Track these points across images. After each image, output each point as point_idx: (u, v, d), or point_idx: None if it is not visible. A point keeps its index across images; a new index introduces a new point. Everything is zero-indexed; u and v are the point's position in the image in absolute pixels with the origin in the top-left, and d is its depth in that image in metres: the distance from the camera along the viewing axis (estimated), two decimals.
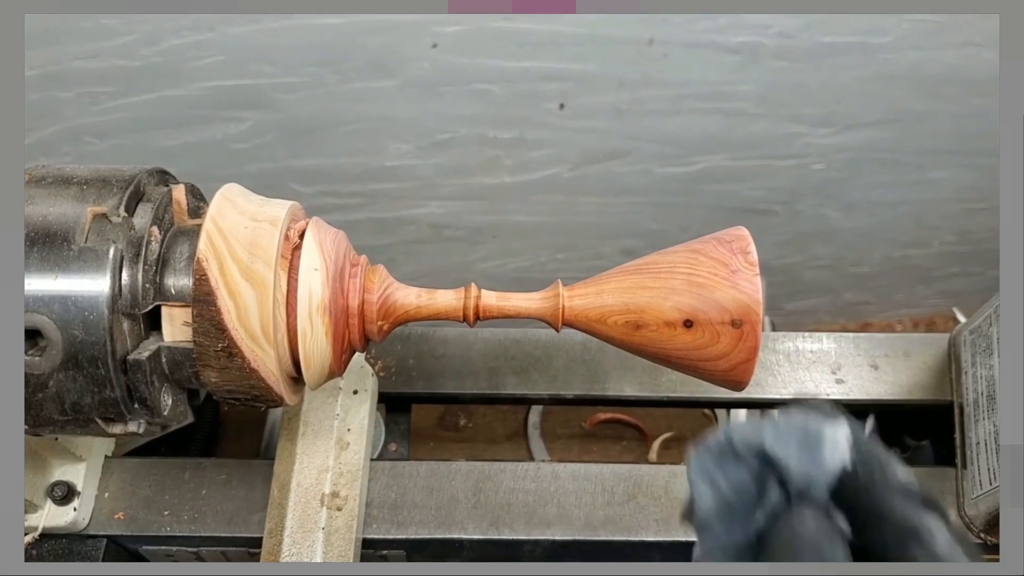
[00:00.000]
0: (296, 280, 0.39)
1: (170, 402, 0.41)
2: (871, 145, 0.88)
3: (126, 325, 0.38)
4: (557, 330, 0.42)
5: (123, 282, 0.38)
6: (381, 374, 0.62)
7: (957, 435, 0.58)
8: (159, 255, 0.39)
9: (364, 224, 0.94)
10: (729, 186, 0.93)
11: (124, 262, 0.38)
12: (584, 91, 0.79)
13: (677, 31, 0.73)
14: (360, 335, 0.42)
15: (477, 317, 0.42)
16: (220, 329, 0.37)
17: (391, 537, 0.56)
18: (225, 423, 0.80)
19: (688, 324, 0.38)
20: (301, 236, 0.41)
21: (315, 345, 0.39)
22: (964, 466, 0.57)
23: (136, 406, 0.39)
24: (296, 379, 0.43)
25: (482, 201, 0.93)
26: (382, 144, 0.84)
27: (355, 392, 0.57)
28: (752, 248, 0.40)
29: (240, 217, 0.39)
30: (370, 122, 0.81)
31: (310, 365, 0.40)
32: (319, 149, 0.84)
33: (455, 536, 0.56)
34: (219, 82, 0.74)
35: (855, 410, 0.66)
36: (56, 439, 0.53)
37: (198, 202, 0.43)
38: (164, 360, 0.39)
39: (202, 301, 0.37)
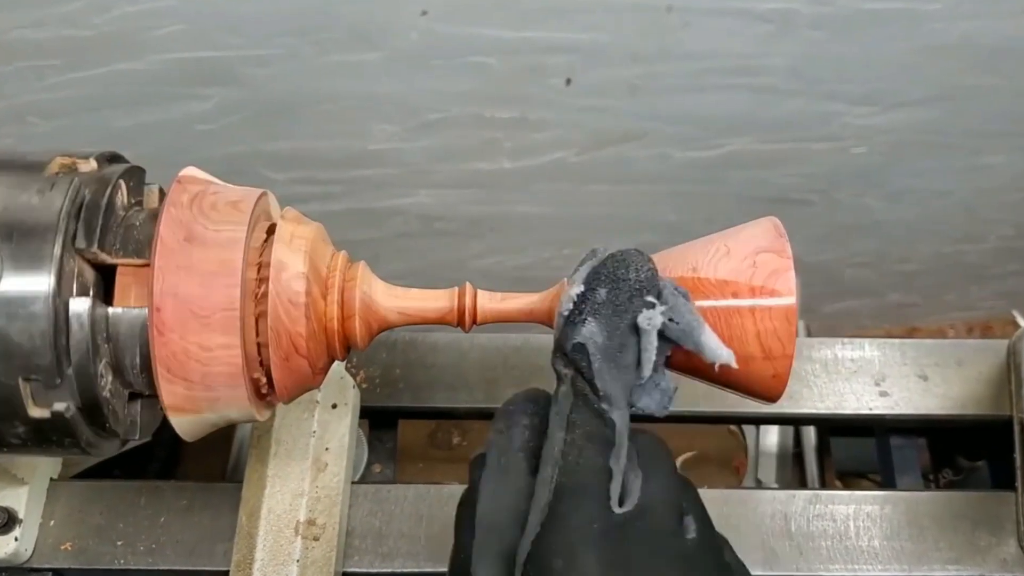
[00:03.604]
0: (267, 278, 0.39)
1: (139, 422, 0.41)
2: (918, 126, 0.88)
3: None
4: None
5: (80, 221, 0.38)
6: (364, 385, 0.62)
7: (1017, 455, 0.58)
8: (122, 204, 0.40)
9: (345, 215, 0.94)
10: (758, 173, 0.92)
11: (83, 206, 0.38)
12: (594, 65, 0.79)
13: None
14: (339, 341, 0.41)
15: (473, 321, 0.42)
16: None
17: (374, 571, 0.56)
18: (187, 441, 0.80)
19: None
20: (271, 231, 0.41)
21: (288, 311, 0.39)
22: None
23: (108, 435, 0.39)
24: (266, 391, 0.43)
25: (478, 190, 0.93)
26: (365, 125, 0.84)
27: (334, 406, 0.57)
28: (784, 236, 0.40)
29: (212, 205, 0.40)
30: (351, 100, 0.81)
31: (281, 354, 0.40)
32: (294, 131, 0.83)
33: (447, 570, 0.56)
34: (180, 54, 0.74)
35: (902, 426, 0.66)
36: None
37: (136, 189, 0.43)
38: (112, 330, 0.39)
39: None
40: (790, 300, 0.38)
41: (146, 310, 0.37)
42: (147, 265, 0.38)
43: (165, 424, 0.42)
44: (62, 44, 0.72)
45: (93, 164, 0.40)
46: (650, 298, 0.35)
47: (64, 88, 0.76)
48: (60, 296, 0.37)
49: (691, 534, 0.34)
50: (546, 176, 0.91)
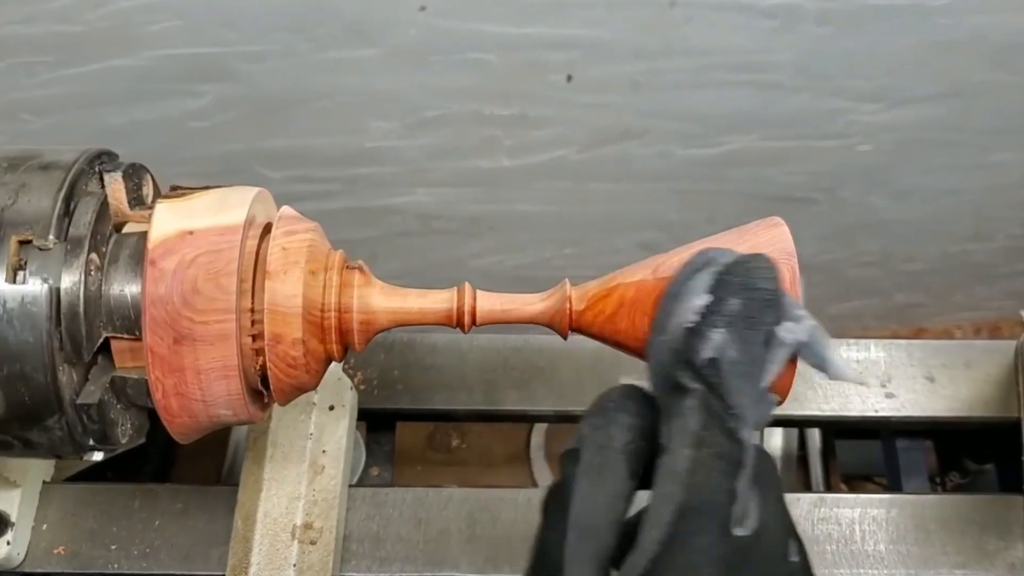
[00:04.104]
0: (263, 280, 0.39)
1: (128, 428, 0.41)
2: (925, 123, 0.88)
3: (71, 365, 0.39)
4: (564, 336, 0.42)
5: (62, 325, 0.38)
6: (362, 387, 0.62)
7: None
8: (100, 279, 0.39)
9: (342, 214, 0.94)
10: (762, 171, 0.92)
11: (60, 297, 0.38)
12: (595, 61, 0.79)
13: None
14: (336, 341, 0.41)
15: (472, 322, 0.42)
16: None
17: (372, 575, 0.56)
18: (182, 444, 0.80)
19: None
20: (267, 230, 0.41)
21: (285, 311, 0.39)
22: None
23: (92, 442, 0.39)
24: (262, 393, 0.43)
25: (478, 188, 0.93)
26: (363, 122, 0.84)
27: (331, 408, 0.57)
28: (789, 237, 0.40)
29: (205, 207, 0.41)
30: (348, 97, 0.81)
31: (278, 338, 0.40)
32: (290, 128, 0.83)
33: (446, 575, 0.56)
34: (174, 50, 0.74)
35: (908, 428, 0.66)
36: None
37: (141, 186, 0.43)
38: (118, 389, 0.40)
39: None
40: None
41: (144, 375, 0.39)
42: (137, 339, 0.38)
43: (159, 426, 0.42)
44: (54, 40, 0.72)
45: (51, 240, 0.38)
46: (788, 310, 0.34)
47: (56, 85, 0.76)
48: (63, 402, 0.38)
49: (794, 556, 0.34)
50: (546, 174, 0.91)
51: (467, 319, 0.42)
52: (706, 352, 0.32)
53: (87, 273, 0.38)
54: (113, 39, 0.73)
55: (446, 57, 0.77)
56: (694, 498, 0.31)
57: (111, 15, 0.71)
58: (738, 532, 0.31)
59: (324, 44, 0.75)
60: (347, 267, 0.42)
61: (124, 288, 0.39)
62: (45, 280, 0.37)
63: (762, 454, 0.34)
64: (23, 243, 0.37)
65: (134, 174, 0.42)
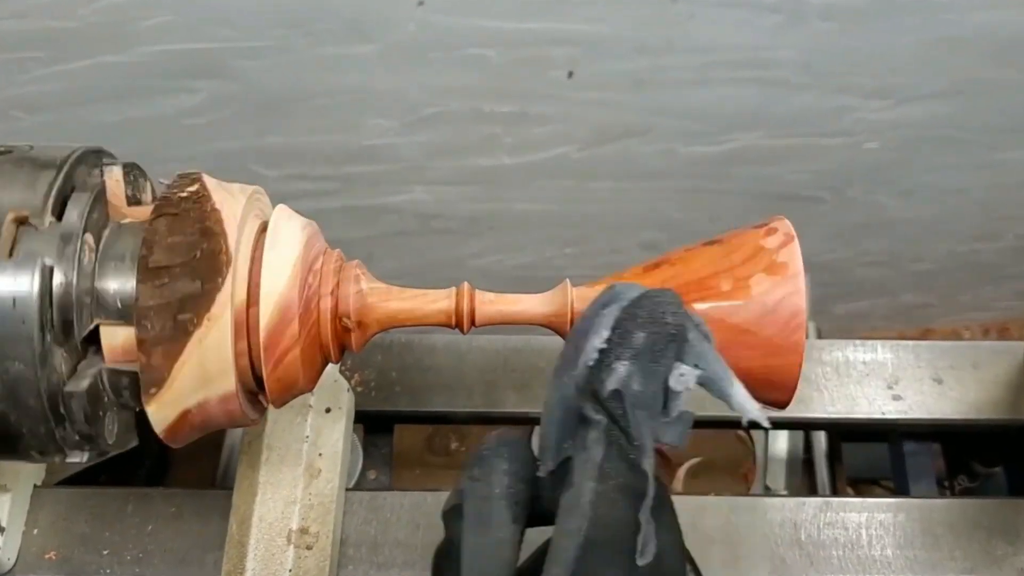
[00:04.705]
0: (262, 245, 0.40)
1: (115, 429, 0.41)
2: (933, 121, 0.88)
3: (61, 351, 0.38)
4: (565, 337, 0.42)
5: (54, 308, 0.38)
6: (359, 389, 0.62)
7: None
8: (95, 263, 0.39)
9: (339, 213, 0.94)
10: (766, 169, 0.92)
11: (53, 278, 0.38)
12: (596, 57, 0.79)
13: None
14: (333, 342, 0.41)
15: (471, 323, 0.42)
16: (194, 179, 0.40)
17: None
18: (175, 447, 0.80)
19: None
20: (263, 229, 0.41)
21: (277, 302, 0.39)
22: None
23: (77, 438, 0.39)
24: (257, 395, 0.43)
25: (477, 186, 0.93)
26: (360, 120, 0.84)
27: (327, 410, 0.57)
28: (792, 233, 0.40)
29: None
30: (346, 94, 0.81)
31: (270, 336, 0.40)
32: (286, 125, 0.83)
33: None
34: (168, 46, 0.74)
35: (916, 431, 0.66)
36: None
37: (138, 186, 0.43)
38: (107, 385, 0.40)
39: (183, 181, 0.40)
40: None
41: (136, 372, 0.38)
42: (129, 324, 0.38)
43: (152, 429, 0.42)
44: (46, 36, 0.72)
45: (50, 219, 0.38)
46: (690, 344, 0.34)
47: (48, 81, 0.76)
48: (50, 384, 0.38)
49: None
50: (547, 172, 0.91)
51: (466, 320, 0.42)
52: (611, 384, 0.33)
53: (80, 257, 0.38)
54: (106, 35, 0.73)
55: (445, 53, 0.77)
56: (599, 532, 0.32)
57: (104, 10, 0.71)
58: (641, 562, 0.32)
59: (321, 40, 0.75)
60: (344, 267, 0.42)
61: (118, 281, 0.39)
62: (38, 259, 0.37)
63: (657, 481, 0.34)
64: (20, 222, 0.38)
65: (132, 171, 0.43)
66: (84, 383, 0.38)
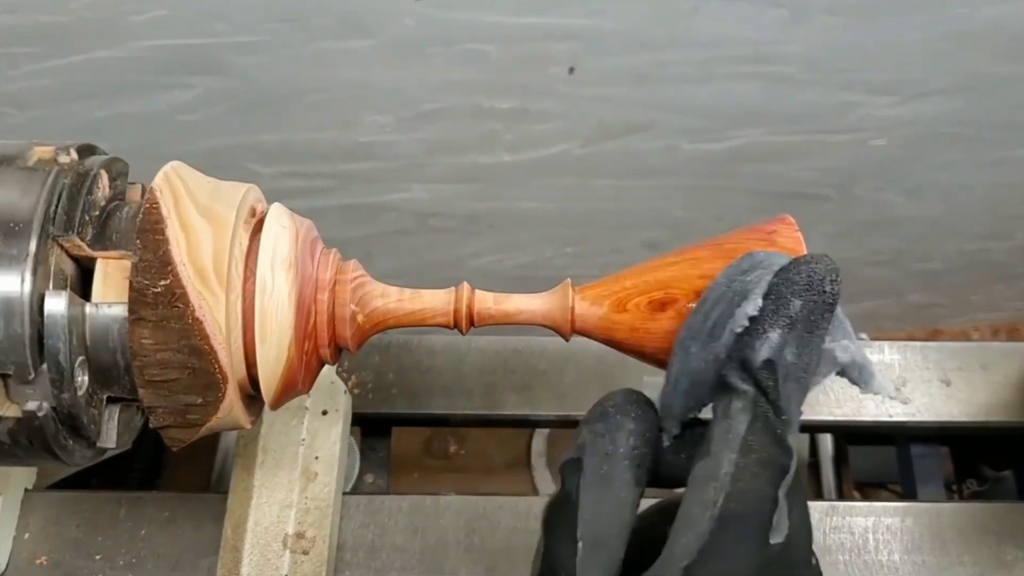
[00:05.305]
0: (257, 243, 0.40)
1: (115, 424, 0.41)
2: (941, 117, 0.88)
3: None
4: (566, 338, 0.42)
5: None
6: (356, 391, 0.62)
7: None
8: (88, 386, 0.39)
9: (335, 212, 0.94)
10: (771, 166, 0.92)
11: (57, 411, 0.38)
12: (598, 52, 0.79)
13: None
14: (329, 343, 0.41)
15: (470, 323, 0.42)
16: (164, 263, 0.37)
17: None
18: (169, 450, 0.80)
19: None
20: (261, 220, 0.41)
21: (274, 304, 0.39)
22: None
23: (69, 424, 0.39)
24: (253, 397, 0.43)
25: (477, 184, 0.93)
26: (357, 116, 0.84)
27: (324, 413, 0.57)
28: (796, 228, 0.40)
29: (200, 178, 0.41)
30: (342, 90, 0.81)
31: (266, 331, 0.39)
32: (281, 122, 0.83)
33: None
34: (162, 41, 0.74)
35: (924, 434, 0.66)
36: None
37: (119, 183, 0.43)
38: (88, 326, 0.38)
39: (148, 231, 0.37)
40: None
41: (125, 306, 0.37)
42: (127, 257, 0.38)
43: (146, 432, 0.42)
44: (37, 30, 0.72)
45: (73, 155, 0.40)
46: (842, 317, 0.34)
47: (40, 77, 0.76)
48: (35, 288, 0.37)
49: (814, 560, 0.34)
50: (548, 170, 0.91)
51: (465, 320, 0.42)
52: (763, 353, 0.32)
53: (76, 389, 0.38)
54: (99, 29, 0.73)
55: (444, 48, 0.77)
56: (737, 506, 0.31)
57: (97, 4, 0.71)
58: (774, 540, 0.31)
59: (317, 35, 0.75)
60: (341, 267, 0.42)
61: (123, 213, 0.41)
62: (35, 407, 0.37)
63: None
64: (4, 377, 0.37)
65: (113, 166, 0.43)
66: (93, 388, 0.39)
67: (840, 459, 0.86)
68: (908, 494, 0.68)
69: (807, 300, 0.33)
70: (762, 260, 0.34)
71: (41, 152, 0.39)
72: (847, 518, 0.58)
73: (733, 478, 0.31)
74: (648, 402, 0.35)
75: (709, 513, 0.31)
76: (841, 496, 0.85)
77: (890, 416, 0.62)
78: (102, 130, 0.81)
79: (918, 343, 0.64)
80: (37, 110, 0.79)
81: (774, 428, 0.32)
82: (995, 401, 0.62)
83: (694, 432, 0.35)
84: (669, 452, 0.35)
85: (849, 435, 0.81)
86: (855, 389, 0.62)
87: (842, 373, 0.35)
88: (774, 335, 0.32)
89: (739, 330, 0.33)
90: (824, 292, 0.33)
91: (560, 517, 0.33)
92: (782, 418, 0.32)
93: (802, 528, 0.33)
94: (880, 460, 0.80)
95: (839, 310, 0.34)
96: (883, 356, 0.63)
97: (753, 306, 0.33)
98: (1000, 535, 0.58)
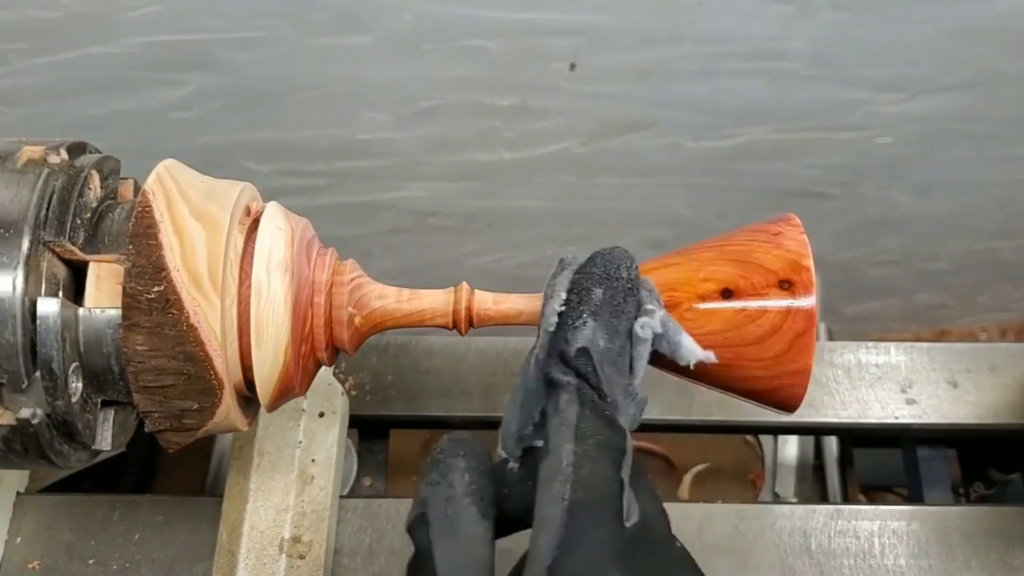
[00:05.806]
0: (253, 244, 0.40)
1: (109, 425, 0.41)
2: (949, 114, 0.88)
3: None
4: None
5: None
6: (353, 393, 0.62)
7: None
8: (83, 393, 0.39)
9: (332, 210, 0.94)
10: (776, 164, 0.92)
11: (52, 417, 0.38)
12: (600, 48, 0.79)
13: None
14: (326, 344, 0.41)
15: (470, 323, 0.42)
16: (158, 268, 0.37)
17: None
18: (163, 452, 0.80)
19: (727, 294, 0.38)
20: (257, 220, 0.41)
21: (270, 308, 0.39)
22: None
23: (61, 422, 0.39)
24: (249, 399, 0.43)
25: (476, 182, 0.93)
26: (354, 113, 0.84)
27: (321, 415, 0.57)
28: (800, 225, 0.40)
29: (193, 177, 0.41)
30: (339, 86, 0.81)
31: (262, 335, 0.39)
32: (277, 119, 0.83)
33: None
34: (156, 37, 0.74)
35: (930, 436, 0.66)
36: None
37: (111, 182, 0.43)
38: (81, 330, 0.38)
39: (141, 235, 0.37)
40: (810, 302, 0.38)
41: (119, 311, 0.37)
42: (120, 261, 0.38)
43: (140, 434, 0.42)
44: (29, 26, 0.72)
45: (64, 155, 0.40)
46: (643, 299, 0.36)
47: (32, 73, 0.76)
48: (27, 294, 0.37)
49: (678, 543, 0.35)
50: (548, 168, 0.91)
51: (465, 321, 0.42)
52: (577, 342, 0.34)
53: (70, 395, 0.38)
54: (92, 25, 0.73)
55: (442, 44, 0.77)
56: (584, 493, 0.32)
57: (89, 0, 0.71)
58: (629, 522, 0.32)
59: (314, 31, 0.75)
60: (338, 266, 0.42)
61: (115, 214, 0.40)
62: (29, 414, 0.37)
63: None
64: None
65: (106, 165, 0.43)
66: (87, 392, 0.39)
67: (845, 462, 0.86)
68: (914, 497, 0.68)
69: (607, 288, 0.35)
70: (568, 261, 0.37)
71: (31, 152, 0.39)
72: (852, 522, 0.58)
73: (575, 467, 0.32)
74: (474, 439, 0.36)
75: (559, 507, 0.32)
76: (846, 499, 0.85)
77: (896, 418, 0.62)
78: (95, 127, 0.81)
79: (925, 344, 0.64)
80: (28, 107, 0.79)
81: (603, 410, 0.34)
82: (1003, 403, 0.62)
83: (536, 457, 0.35)
84: (514, 482, 0.35)
85: (854, 437, 0.81)
86: (860, 391, 0.63)
87: (662, 349, 0.37)
88: (582, 325, 0.35)
89: (551, 328, 0.35)
90: (621, 278, 0.36)
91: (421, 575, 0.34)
92: (608, 400, 0.34)
93: (655, 507, 0.34)
94: (886, 463, 0.80)
95: (643, 294, 0.36)
96: (889, 357, 0.63)
97: (559, 301, 0.35)
98: (1008, 539, 0.58)
